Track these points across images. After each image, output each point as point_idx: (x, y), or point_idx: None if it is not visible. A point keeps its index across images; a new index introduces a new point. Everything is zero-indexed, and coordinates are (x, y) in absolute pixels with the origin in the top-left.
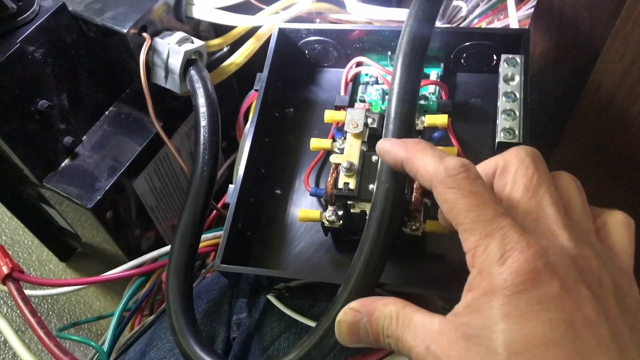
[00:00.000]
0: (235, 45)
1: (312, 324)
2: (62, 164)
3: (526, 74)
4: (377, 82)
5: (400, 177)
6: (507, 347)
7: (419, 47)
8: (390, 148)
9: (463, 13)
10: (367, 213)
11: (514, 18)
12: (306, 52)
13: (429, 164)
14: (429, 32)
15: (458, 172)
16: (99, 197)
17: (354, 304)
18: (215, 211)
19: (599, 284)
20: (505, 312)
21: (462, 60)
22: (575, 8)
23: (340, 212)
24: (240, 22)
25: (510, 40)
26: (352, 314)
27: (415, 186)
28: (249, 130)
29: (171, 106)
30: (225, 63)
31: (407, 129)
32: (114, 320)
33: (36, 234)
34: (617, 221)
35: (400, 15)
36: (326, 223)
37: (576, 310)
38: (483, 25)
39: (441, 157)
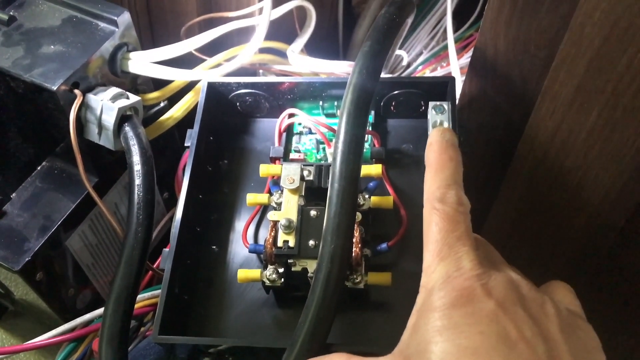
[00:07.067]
0: (175, 98)
1: None
2: None
3: (454, 120)
4: (310, 132)
5: (346, 236)
6: (441, 358)
7: (362, 105)
8: (431, 147)
9: (404, 62)
10: (308, 270)
11: (456, 66)
12: (237, 104)
13: (435, 182)
14: (372, 89)
15: (450, 201)
16: (27, 259)
17: None
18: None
19: (541, 311)
20: (439, 325)
21: (392, 108)
22: (507, 65)
23: (280, 270)
24: (177, 77)
25: (436, 88)
26: None
27: (354, 240)
28: (182, 190)
29: (108, 160)
30: (164, 117)
31: (352, 188)
32: None
33: None
34: (560, 284)
35: (342, 68)
36: (267, 282)
37: (511, 325)
38: (427, 72)
39: (449, 184)
